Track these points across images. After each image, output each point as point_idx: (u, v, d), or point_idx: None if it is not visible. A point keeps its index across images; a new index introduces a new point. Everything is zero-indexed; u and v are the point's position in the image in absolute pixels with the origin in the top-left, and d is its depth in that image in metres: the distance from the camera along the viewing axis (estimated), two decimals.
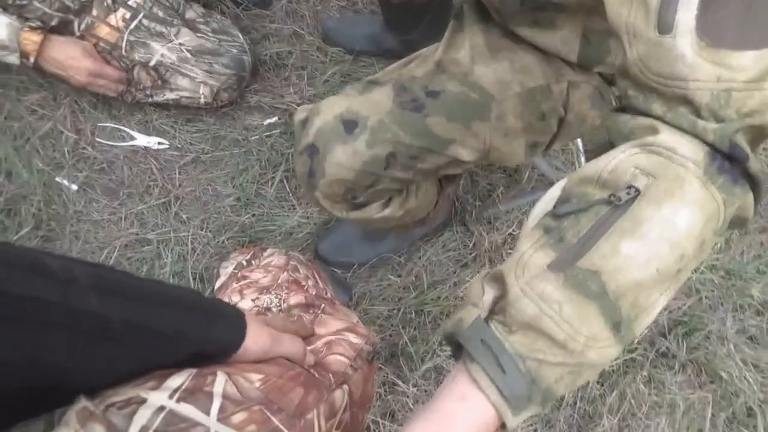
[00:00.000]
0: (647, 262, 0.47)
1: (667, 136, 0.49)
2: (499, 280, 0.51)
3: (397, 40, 1.49)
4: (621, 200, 0.48)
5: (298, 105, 1.45)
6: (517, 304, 0.48)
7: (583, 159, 1.28)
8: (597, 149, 0.57)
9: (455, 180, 1.27)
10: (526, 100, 0.90)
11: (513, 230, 1.41)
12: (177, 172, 1.46)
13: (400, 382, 1.23)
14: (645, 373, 1.29)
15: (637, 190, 0.48)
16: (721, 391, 1.29)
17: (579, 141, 1.30)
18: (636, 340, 1.30)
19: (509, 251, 1.38)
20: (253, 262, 1.14)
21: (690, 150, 0.48)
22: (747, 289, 1.38)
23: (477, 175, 1.47)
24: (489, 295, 0.51)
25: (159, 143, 1.48)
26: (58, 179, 1.42)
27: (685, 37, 0.47)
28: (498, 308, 0.50)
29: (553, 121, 0.93)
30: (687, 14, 0.47)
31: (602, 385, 1.28)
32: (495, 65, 0.90)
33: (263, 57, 1.57)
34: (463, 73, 0.90)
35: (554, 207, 0.53)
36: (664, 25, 0.48)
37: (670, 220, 0.47)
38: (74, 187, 1.43)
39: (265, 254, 1.14)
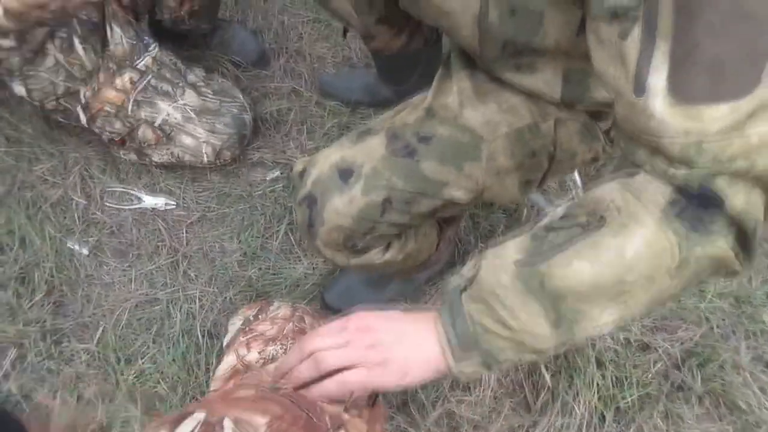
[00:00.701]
0: (589, 277, 0.58)
1: (641, 178, 0.58)
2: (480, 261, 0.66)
3: (392, 89, 1.54)
4: (589, 226, 0.59)
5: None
6: (481, 281, 0.64)
7: (581, 193, 1.29)
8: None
9: (455, 222, 1.29)
10: (515, 140, 0.92)
11: None
12: (184, 231, 1.49)
13: (412, 430, 1.22)
14: (661, 408, 1.26)
15: (604, 220, 0.58)
16: (741, 422, 1.25)
17: (576, 175, 1.32)
18: (646, 377, 1.28)
19: None
20: (260, 316, 1.15)
21: (656, 193, 0.57)
22: (758, 315, 1.37)
23: (478, 216, 1.49)
24: (472, 271, 0.67)
25: (166, 204, 1.52)
26: (69, 245, 1.45)
27: (656, 98, 0.52)
28: (473, 280, 0.65)
29: (543, 158, 0.95)
30: (658, 77, 0.52)
31: (618, 423, 1.25)
32: (483, 108, 0.93)
33: (264, 115, 1.62)
34: (453, 117, 0.93)
35: (552, 221, 0.65)
36: (639, 88, 0.54)
37: (618, 249, 0.57)
38: (85, 251, 1.46)
39: (272, 308, 1.15)
